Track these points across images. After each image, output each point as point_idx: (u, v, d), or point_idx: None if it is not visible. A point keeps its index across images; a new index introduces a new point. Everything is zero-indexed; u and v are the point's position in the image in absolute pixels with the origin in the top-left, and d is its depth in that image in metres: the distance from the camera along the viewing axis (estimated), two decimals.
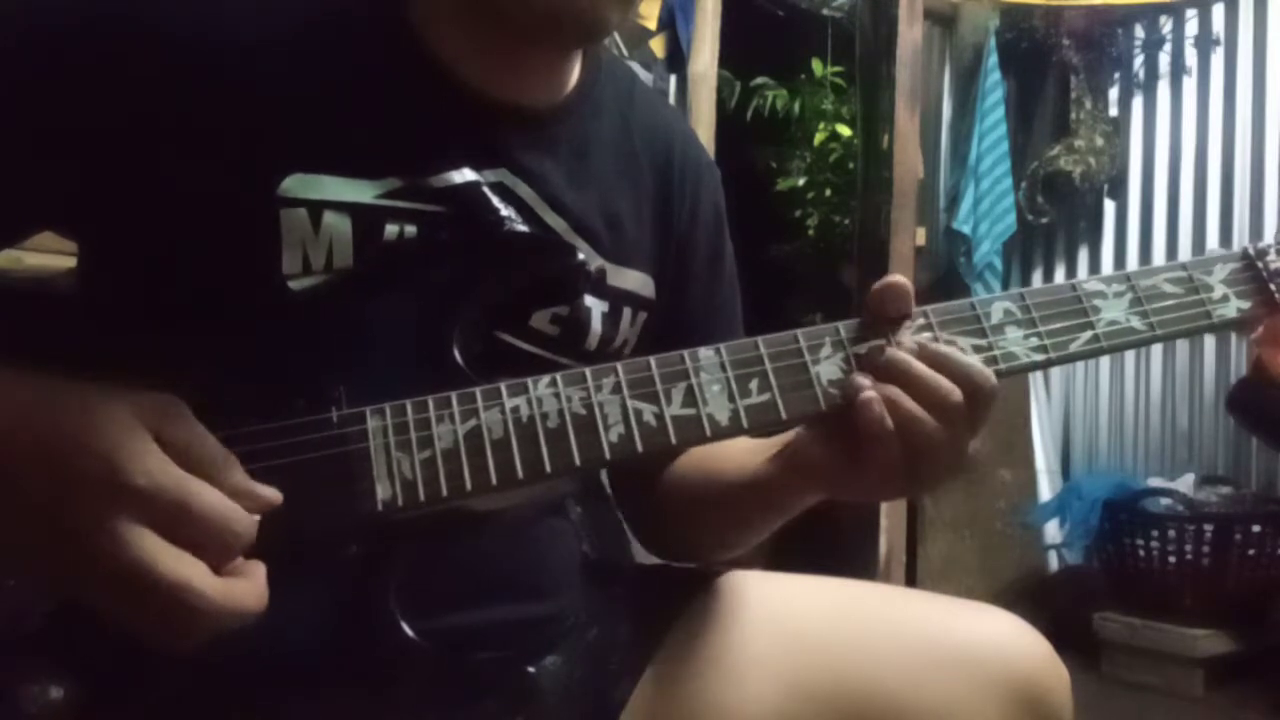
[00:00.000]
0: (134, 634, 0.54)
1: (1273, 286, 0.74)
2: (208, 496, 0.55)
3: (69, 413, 0.54)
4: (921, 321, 0.70)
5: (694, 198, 0.90)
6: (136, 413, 0.54)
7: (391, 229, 0.70)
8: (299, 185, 0.68)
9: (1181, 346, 3.66)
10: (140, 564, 0.52)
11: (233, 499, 0.56)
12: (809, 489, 0.75)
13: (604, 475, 0.93)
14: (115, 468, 0.53)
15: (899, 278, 0.70)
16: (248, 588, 0.56)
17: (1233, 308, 0.74)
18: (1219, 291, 0.74)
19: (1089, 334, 0.71)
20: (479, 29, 0.74)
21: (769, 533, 0.82)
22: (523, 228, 0.74)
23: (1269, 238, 0.76)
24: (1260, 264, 0.74)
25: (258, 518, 0.57)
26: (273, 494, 0.59)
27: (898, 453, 0.66)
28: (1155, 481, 3.39)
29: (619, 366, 0.66)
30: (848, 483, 0.71)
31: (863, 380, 0.67)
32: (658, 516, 0.89)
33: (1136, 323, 0.72)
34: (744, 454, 0.79)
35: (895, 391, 0.66)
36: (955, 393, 0.66)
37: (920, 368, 0.67)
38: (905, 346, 0.68)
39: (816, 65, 3.81)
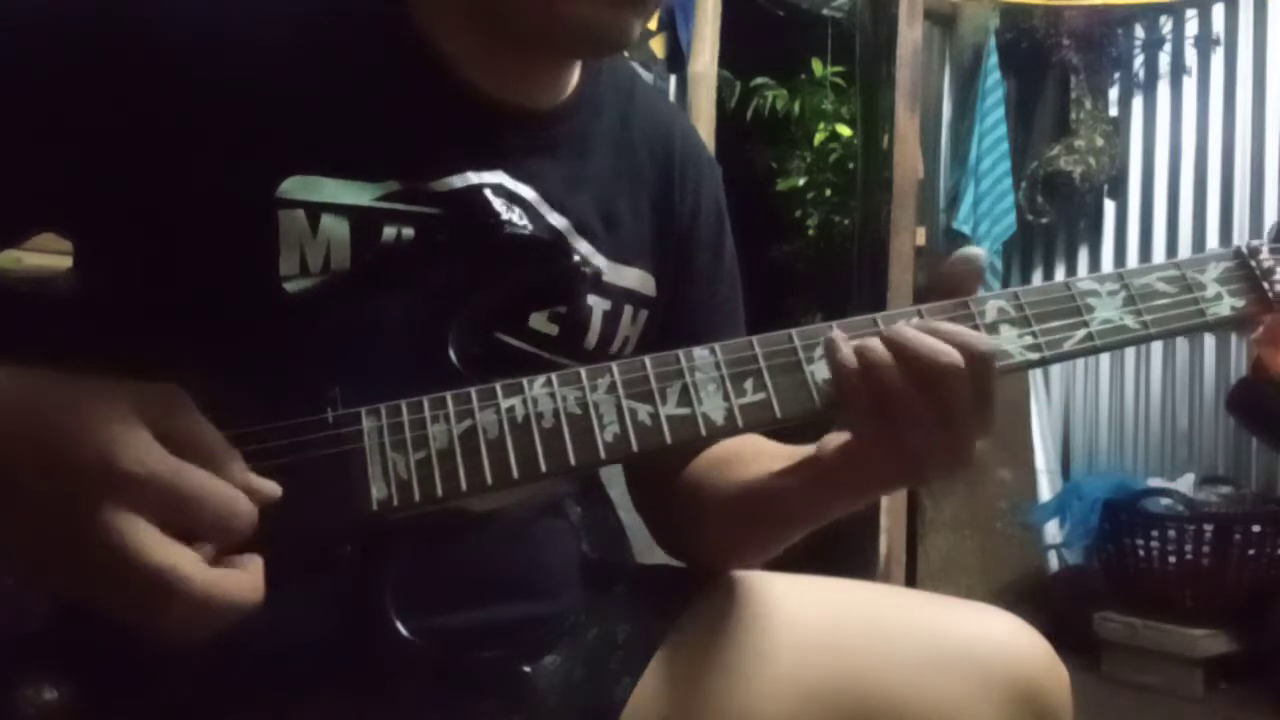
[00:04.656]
0: (125, 624, 0.54)
1: (1266, 285, 0.74)
2: (206, 483, 0.55)
3: (65, 408, 0.54)
4: (916, 320, 0.70)
5: (695, 194, 0.89)
6: (134, 405, 0.54)
7: (389, 231, 0.70)
8: (298, 187, 0.68)
9: (1181, 347, 3.66)
10: (125, 548, 0.52)
11: None
12: (836, 496, 0.74)
13: (624, 476, 0.92)
14: (109, 458, 0.52)
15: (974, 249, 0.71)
16: (242, 579, 0.55)
17: (1226, 306, 0.73)
18: (1212, 290, 0.73)
19: (1083, 332, 0.71)
20: (487, 33, 0.73)
21: (797, 539, 0.81)
22: (520, 230, 0.74)
23: (1264, 237, 0.76)
24: (1253, 262, 0.74)
25: (256, 508, 0.57)
26: (272, 487, 0.58)
27: (876, 425, 0.65)
28: (1155, 481, 3.39)
29: (614, 366, 0.66)
30: (858, 478, 0.70)
31: (836, 333, 0.66)
32: (680, 519, 0.88)
33: (1130, 321, 0.72)
34: (771, 464, 0.78)
35: (880, 355, 0.64)
36: (945, 353, 0.63)
37: (909, 331, 0.65)
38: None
39: (816, 65, 3.83)
